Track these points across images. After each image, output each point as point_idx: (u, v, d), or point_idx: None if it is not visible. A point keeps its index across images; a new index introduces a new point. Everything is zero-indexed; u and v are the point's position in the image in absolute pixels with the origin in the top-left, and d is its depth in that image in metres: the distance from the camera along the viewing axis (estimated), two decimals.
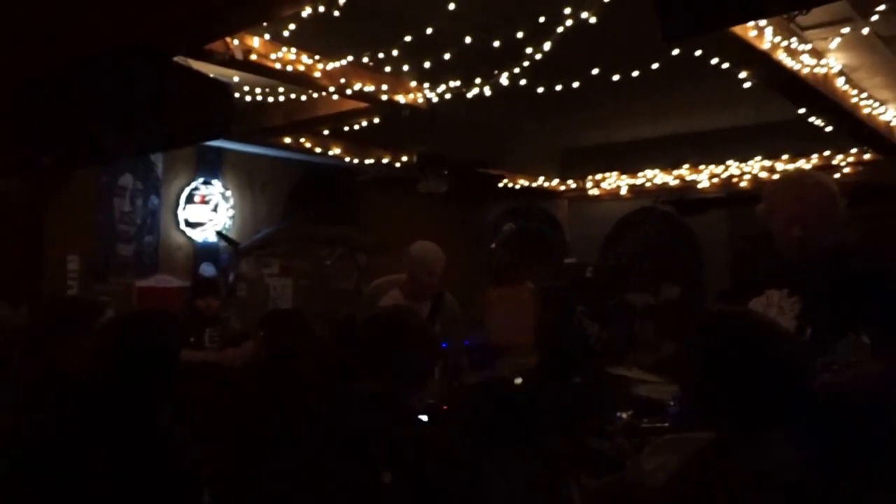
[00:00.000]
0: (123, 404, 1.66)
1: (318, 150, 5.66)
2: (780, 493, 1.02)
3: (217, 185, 6.15)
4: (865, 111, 4.73)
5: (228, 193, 6.24)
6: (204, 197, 6.07)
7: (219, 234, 6.08)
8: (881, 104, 4.86)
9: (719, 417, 1.12)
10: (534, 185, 7.57)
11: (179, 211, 5.93)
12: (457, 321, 3.38)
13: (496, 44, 2.95)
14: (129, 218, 5.61)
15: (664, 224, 7.02)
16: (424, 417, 2.22)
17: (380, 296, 3.28)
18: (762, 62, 3.40)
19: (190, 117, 3.16)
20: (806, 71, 3.75)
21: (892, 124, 5.22)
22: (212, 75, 3.24)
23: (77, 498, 1.57)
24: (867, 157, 5.96)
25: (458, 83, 3.80)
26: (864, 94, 4.58)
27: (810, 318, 1.88)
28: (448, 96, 3.94)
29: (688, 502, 1.05)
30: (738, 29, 3.07)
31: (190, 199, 5.98)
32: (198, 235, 6.04)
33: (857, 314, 1.82)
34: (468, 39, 2.92)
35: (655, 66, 3.54)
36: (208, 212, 6.09)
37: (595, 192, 7.70)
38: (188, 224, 5.98)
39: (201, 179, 6.05)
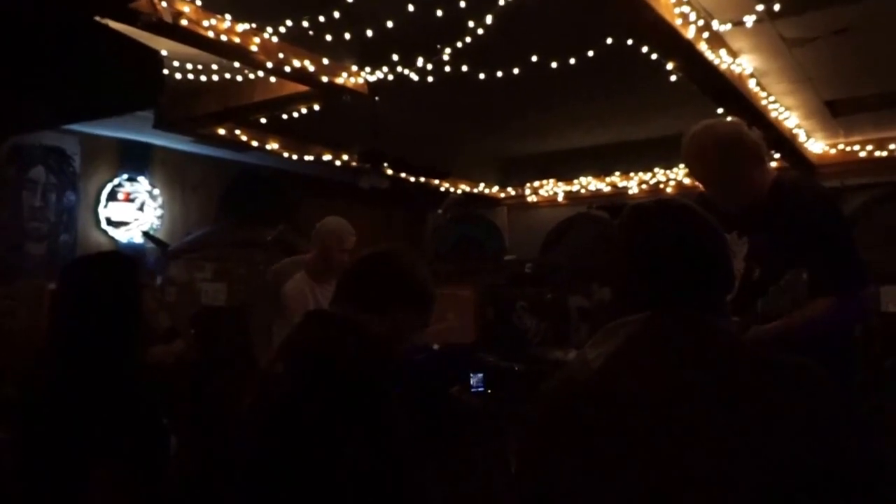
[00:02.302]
0: (91, 342, 1.64)
1: (254, 143, 5.45)
2: (710, 367, 1.03)
3: (143, 182, 5.85)
4: (773, 115, 4.93)
5: (156, 192, 5.95)
6: (128, 194, 5.75)
7: (145, 234, 5.76)
8: (786, 110, 5.11)
9: (647, 299, 1.13)
10: (475, 191, 7.64)
11: (100, 208, 5.60)
12: None
13: (439, 13, 2.94)
14: (41, 214, 5.23)
15: (597, 228, 7.20)
16: None
17: (283, 281, 3.12)
18: (686, 53, 3.54)
19: (114, 84, 2.96)
20: (724, 66, 3.90)
21: (794, 132, 5.56)
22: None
23: (48, 434, 1.56)
24: (772, 164, 6.32)
25: (398, 65, 3.76)
26: (772, 99, 4.79)
27: (757, 258, 1.95)
28: (391, 77, 3.89)
29: (622, 379, 1.05)
30: (666, 14, 3.19)
31: (112, 197, 5.66)
32: (121, 235, 5.71)
33: (795, 250, 1.89)
34: (411, 7, 2.90)
35: (590, 53, 3.65)
36: (133, 210, 5.77)
37: (533, 198, 7.86)
38: (110, 223, 5.64)
39: (125, 176, 5.74)
